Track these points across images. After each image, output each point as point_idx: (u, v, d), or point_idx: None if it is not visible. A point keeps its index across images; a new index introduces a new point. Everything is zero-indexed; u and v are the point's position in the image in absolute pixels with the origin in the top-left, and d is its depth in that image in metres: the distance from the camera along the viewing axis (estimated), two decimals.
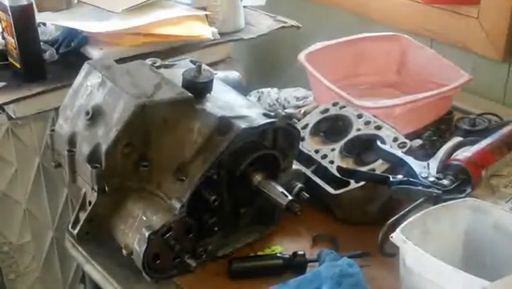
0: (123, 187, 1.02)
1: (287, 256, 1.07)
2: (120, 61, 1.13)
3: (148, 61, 1.14)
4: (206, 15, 1.78)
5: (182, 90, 1.03)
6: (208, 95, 1.06)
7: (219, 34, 1.75)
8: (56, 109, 1.38)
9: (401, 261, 0.89)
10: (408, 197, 1.04)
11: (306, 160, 1.20)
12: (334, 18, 1.89)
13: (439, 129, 1.36)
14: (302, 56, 1.44)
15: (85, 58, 1.54)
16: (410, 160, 1.09)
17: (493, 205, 0.99)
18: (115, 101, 0.99)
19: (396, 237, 0.88)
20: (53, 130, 1.10)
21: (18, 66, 1.55)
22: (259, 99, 1.56)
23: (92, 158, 1.00)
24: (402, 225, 0.90)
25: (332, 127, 1.27)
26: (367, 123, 1.23)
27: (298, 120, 1.30)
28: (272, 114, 1.05)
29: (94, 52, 1.62)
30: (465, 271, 0.82)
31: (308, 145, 1.23)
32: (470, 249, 0.96)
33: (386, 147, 1.14)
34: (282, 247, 1.11)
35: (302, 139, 1.22)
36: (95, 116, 1.00)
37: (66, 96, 1.09)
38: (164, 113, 1.00)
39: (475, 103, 1.51)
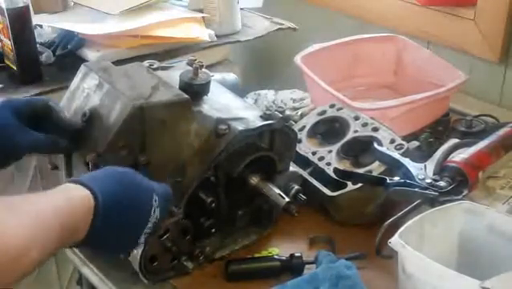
0: None
1: (284, 258, 1.07)
2: (117, 63, 1.13)
3: (146, 63, 1.14)
4: (203, 17, 1.78)
5: (179, 92, 1.03)
6: (205, 97, 1.06)
7: (216, 36, 1.75)
8: None
9: (400, 266, 0.89)
10: (405, 199, 1.04)
11: (304, 161, 1.20)
12: (330, 20, 1.90)
13: (436, 131, 1.36)
14: (298, 58, 1.44)
15: (82, 60, 1.53)
16: (407, 161, 1.09)
17: (487, 207, 0.99)
18: (112, 103, 0.99)
19: (395, 242, 0.88)
20: None
21: (15, 68, 1.55)
22: (256, 101, 1.56)
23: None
24: (400, 230, 0.90)
25: (329, 129, 1.27)
26: (364, 124, 1.23)
27: (295, 122, 1.30)
28: (269, 116, 1.05)
29: (91, 54, 1.62)
30: (460, 273, 0.83)
31: (305, 147, 1.23)
32: (465, 251, 0.96)
33: (383, 149, 1.14)
34: (279, 249, 1.11)
35: (299, 141, 1.23)
36: (91, 117, 1.00)
37: (62, 98, 1.09)
38: (161, 115, 0.99)
39: (471, 105, 1.51)
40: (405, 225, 0.91)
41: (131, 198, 0.85)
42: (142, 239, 0.87)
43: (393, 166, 1.11)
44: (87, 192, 0.81)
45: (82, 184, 0.82)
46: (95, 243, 0.83)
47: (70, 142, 1.01)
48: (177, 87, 1.05)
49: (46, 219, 0.76)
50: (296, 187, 1.09)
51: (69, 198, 0.80)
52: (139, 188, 0.87)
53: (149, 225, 0.86)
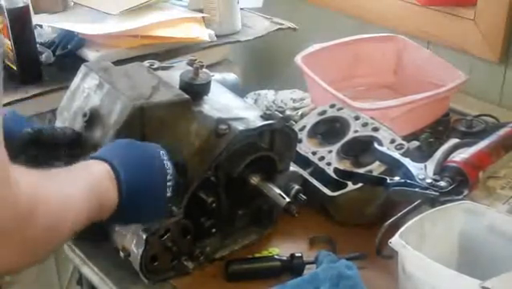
0: None
1: (285, 258, 1.07)
2: (117, 63, 1.13)
3: (146, 63, 1.14)
4: (203, 17, 1.78)
5: (179, 92, 1.03)
6: (205, 97, 1.06)
7: (216, 36, 1.75)
8: (53, 111, 1.38)
9: (400, 266, 0.89)
10: (405, 199, 1.04)
11: (304, 161, 1.20)
12: (330, 20, 1.90)
13: (436, 131, 1.36)
14: (298, 58, 1.44)
15: (81, 60, 1.53)
16: (407, 161, 1.09)
17: (487, 207, 0.99)
18: (113, 103, 0.99)
19: (395, 242, 0.88)
20: None
21: (15, 68, 1.55)
22: (256, 101, 1.56)
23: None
24: (400, 230, 0.90)
25: (329, 129, 1.27)
26: (365, 124, 1.23)
27: (296, 122, 1.30)
28: (269, 116, 1.05)
29: (90, 54, 1.62)
30: (460, 273, 0.83)
31: (305, 147, 1.23)
32: (465, 251, 0.96)
33: (383, 149, 1.14)
34: (280, 249, 1.11)
35: (300, 141, 1.23)
36: (92, 118, 1.00)
37: (63, 98, 1.09)
38: (161, 115, 0.99)
39: (472, 105, 1.51)
40: (406, 226, 0.91)
41: (144, 158, 0.90)
42: (169, 193, 0.91)
43: (393, 166, 1.11)
44: (105, 164, 0.86)
45: (98, 158, 0.87)
46: (128, 212, 0.87)
47: (71, 148, 1.01)
48: (178, 87, 1.05)
49: (78, 190, 0.80)
50: (296, 187, 1.09)
51: (91, 173, 0.84)
52: (146, 147, 0.93)
53: (169, 177, 0.91)
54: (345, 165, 1.18)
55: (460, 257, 0.96)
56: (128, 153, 0.90)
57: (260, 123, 1.03)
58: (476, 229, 0.95)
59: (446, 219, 0.96)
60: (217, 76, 1.17)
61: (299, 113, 1.43)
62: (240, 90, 1.26)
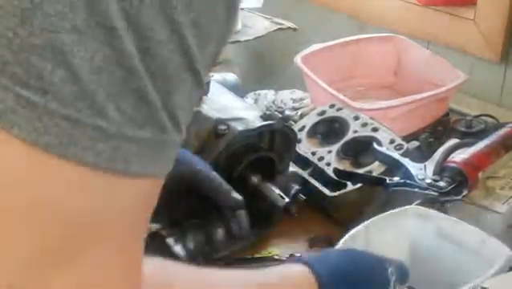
0: None
1: (284, 258, 1.07)
2: None
3: None
4: None
5: None
6: (204, 97, 1.06)
7: None
8: None
9: None
10: (404, 199, 1.04)
11: (303, 162, 1.20)
12: (330, 20, 1.89)
13: (436, 131, 1.36)
14: (298, 58, 1.44)
15: None
16: (407, 162, 1.09)
17: (435, 212, 0.97)
18: None
19: None
20: None
21: None
22: (256, 101, 1.56)
23: None
24: (344, 239, 0.89)
25: (329, 129, 1.27)
26: (364, 125, 1.23)
27: (295, 122, 1.30)
28: (269, 116, 1.06)
29: None
30: (412, 280, 0.80)
31: (305, 147, 1.23)
32: (417, 257, 0.94)
33: (383, 149, 1.14)
34: (279, 250, 1.11)
35: (299, 141, 1.22)
36: None
37: None
38: None
39: (471, 105, 1.51)
40: (349, 234, 0.90)
41: (359, 272, 0.74)
42: None
43: (393, 166, 1.11)
44: (304, 267, 0.70)
45: (299, 260, 0.72)
46: None
47: None
48: None
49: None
50: (296, 187, 1.09)
51: (282, 275, 0.71)
52: (367, 259, 0.77)
53: None
54: (344, 165, 1.18)
55: (411, 263, 0.89)
56: (341, 264, 0.73)
57: (259, 123, 1.03)
58: (425, 234, 0.93)
59: (394, 224, 0.94)
60: (216, 76, 1.17)
61: (299, 113, 1.43)
62: (240, 90, 1.26)
